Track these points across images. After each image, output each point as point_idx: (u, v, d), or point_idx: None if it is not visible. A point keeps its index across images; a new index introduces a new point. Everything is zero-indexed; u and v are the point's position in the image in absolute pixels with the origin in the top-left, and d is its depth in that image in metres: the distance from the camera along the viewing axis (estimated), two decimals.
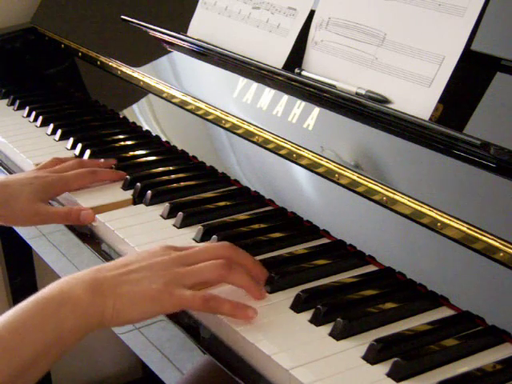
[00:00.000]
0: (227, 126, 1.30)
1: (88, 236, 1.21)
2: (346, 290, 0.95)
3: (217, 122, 1.32)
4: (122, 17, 1.60)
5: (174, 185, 1.26)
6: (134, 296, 0.87)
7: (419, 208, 0.97)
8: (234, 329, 0.89)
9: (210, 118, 1.34)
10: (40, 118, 1.59)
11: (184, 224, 1.13)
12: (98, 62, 1.67)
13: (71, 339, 0.84)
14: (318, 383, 0.80)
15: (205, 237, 1.09)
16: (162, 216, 1.17)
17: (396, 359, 0.81)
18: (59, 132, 1.51)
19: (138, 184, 1.24)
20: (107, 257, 1.15)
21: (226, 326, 0.90)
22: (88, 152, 1.40)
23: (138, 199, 1.23)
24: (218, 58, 1.35)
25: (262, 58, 1.26)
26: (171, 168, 1.32)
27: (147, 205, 1.21)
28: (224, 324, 0.90)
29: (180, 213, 1.14)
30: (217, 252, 0.94)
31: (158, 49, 1.51)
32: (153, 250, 0.94)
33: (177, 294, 0.88)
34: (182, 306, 0.90)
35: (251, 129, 1.24)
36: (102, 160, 1.35)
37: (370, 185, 1.04)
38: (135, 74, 1.55)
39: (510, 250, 0.87)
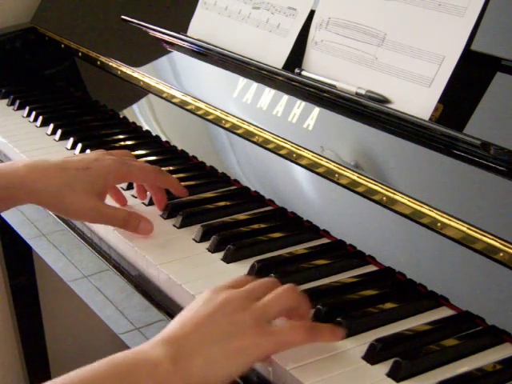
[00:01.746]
0: (227, 126, 1.30)
1: (88, 236, 1.21)
2: (346, 290, 0.95)
3: (217, 122, 1.32)
4: (122, 17, 1.60)
5: None
6: (228, 349, 0.77)
7: (419, 208, 0.97)
8: None
9: (210, 117, 1.34)
10: (40, 118, 1.59)
11: (184, 224, 1.13)
12: (98, 62, 1.67)
13: None
14: (318, 383, 0.80)
15: (205, 237, 1.09)
16: (161, 216, 1.17)
17: (396, 359, 0.81)
18: (59, 132, 1.51)
19: None
20: (107, 257, 1.15)
21: None
22: (88, 152, 1.40)
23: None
24: (218, 58, 1.35)
25: (262, 58, 1.26)
26: (171, 168, 1.32)
27: (147, 205, 1.21)
28: None
29: (180, 213, 1.14)
30: (285, 294, 0.85)
31: (158, 49, 1.51)
32: (215, 296, 0.82)
33: (275, 331, 0.80)
34: (284, 344, 0.81)
35: (251, 129, 1.24)
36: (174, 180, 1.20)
37: (370, 185, 1.04)
38: (135, 74, 1.55)
39: (510, 250, 0.87)
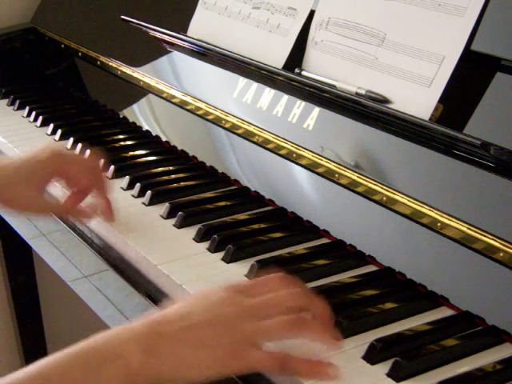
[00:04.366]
0: (227, 126, 1.30)
1: (88, 236, 1.21)
2: (346, 290, 0.95)
3: (217, 122, 1.32)
4: (122, 17, 1.60)
5: (174, 185, 1.26)
6: (197, 358, 0.76)
7: (419, 208, 0.97)
8: None
9: (210, 118, 1.34)
10: (40, 118, 1.59)
11: (184, 224, 1.13)
12: (98, 62, 1.67)
13: None
14: (317, 383, 0.80)
15: (205, 237, 1.09)
16: (161, 216, 1.17)
17: (396, 359, 0.81)
18: (59, 132, 1.51)
19: (138, 184, 1.24)
20: (107, 257, 1.15)
21: None
22: (88, 152, 1.39)
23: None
24: (218, 58, 1.35)
25: (262, 58, 1.26)
26: (171, 168, 1.32)
27: (147, 205, 1.21)
28: None
29: (180, 213, 1.14)
30: (288, 302, 0.81)
31: (158, 49, 1.51)
32: (216, 297, 0.81)
33: (247, 356, 0.77)
34: (253, 369, 0.79)
35: (251, 129, 1.24)
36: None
37: (370, 185, 1.04)
38: (135, 74, 1.55)
39: (510, 250, 0.87)
